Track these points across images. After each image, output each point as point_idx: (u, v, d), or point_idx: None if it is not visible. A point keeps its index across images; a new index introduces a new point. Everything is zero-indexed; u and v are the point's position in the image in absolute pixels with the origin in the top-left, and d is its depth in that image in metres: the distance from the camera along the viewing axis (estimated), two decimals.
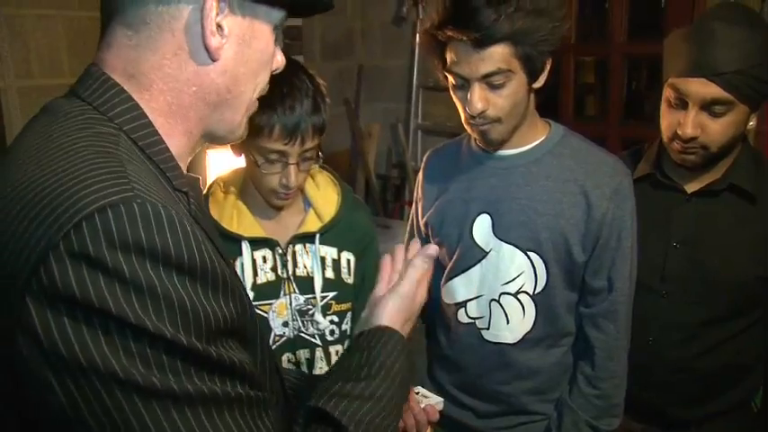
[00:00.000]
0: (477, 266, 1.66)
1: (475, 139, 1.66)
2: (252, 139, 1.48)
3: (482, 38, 1.44)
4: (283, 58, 1.02)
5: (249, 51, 0.92)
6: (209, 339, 0.76)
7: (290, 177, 1.53)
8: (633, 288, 1.66)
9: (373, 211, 4.08)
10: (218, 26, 0.87)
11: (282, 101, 1.46)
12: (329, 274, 1.65)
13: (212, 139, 0.98)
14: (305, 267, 1.63)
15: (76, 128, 0.82)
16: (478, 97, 1.50)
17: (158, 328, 0.71)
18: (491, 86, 1.49)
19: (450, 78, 1.55)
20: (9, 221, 0.74)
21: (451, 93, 1.58)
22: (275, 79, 1.49)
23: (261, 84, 0.98)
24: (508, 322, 1.66)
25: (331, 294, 1.66)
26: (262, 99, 1.45)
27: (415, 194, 1.85)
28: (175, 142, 0.91)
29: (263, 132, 1.47)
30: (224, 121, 0.95)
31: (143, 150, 0.85)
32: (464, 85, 1.52)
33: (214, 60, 0.88)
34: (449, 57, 1.51)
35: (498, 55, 1.45)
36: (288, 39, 3.66)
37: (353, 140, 4.18)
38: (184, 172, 0.94)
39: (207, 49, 0.87)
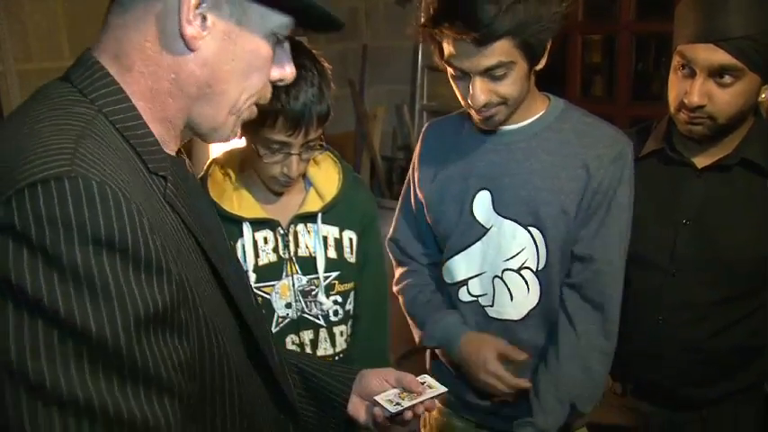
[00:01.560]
0: (478, 243, 1.65)
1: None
2: (253, 127, 1.46)
3: (482, 37, 1.40)
4: (292, 69, 1.00)
5: (236, 50, 0.90)
6: (129, 328, 0.73)
7: (292, 167, 1.52)
8: (621, 262, 1.63)
9: (378, 192, 4.06)
10: (203, 17, 0.86)
11: (287, 90, 1.42)
12: (331, 253, 1.64)
13: (196, 133, 0.97)
14: (307, 247, 1.62)
15: (51, 107, 0.83)
16: (480, 90, 1.48)
17: (71, 315, 0.69)
18: (492, 78, 1.47)
19: (450, 69, 1.52)
20: None
21: (451, 81, 1.55)
22: None
23: (251, 88, 0.95)
24: (512, 299, 1.65)
25: (334, 274, 1.65)
26: None
27: (411, 164, 1.82)
28: (155, 127, 0.90)
29: (265, 123, 1.44)
30: (204, 116, 0.94)
31: (120, 133, 0.85)
32: (464, 76, 1.49)
33: (191, 50, 0.87)
34: (447, 50, 1.48)
35: (499, 49, 1.42)
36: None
37: (358, 122, 4.15)
38: (170, 154, 0.94)
39: (182, 37, 0.86)
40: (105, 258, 0.71)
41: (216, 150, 2.73)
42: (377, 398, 1.28)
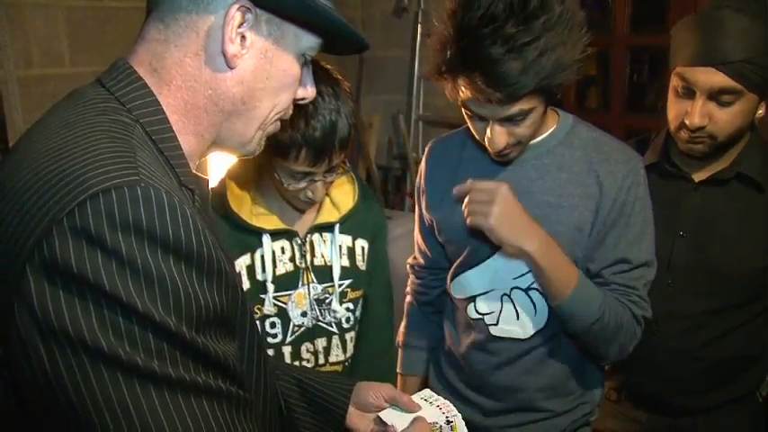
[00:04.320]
0: (490, 260, 1.61)
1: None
2: (276, 158, 1.45)
3: (507, 96, 1.33)
4: (314, 89, 1.05)
5: (270, 69, 0.94)
6: (198, 327, 0.78)
7: (318, 193, 1.52)
8: (645, 270, 1.58)
9: None
10: (242, 37, 0.90)
11: (307, 121, 1.40)
12: (344, 261, 1.66)
13: (223, 147, 1.01)
14: (323, 256, 1.63)
15: (95, 113, 0.85)
16: (499, 135, 1.43)
17: (148, 310, 0.73)
18: (512, 122, 1.43)
19: (464, 110, 1.47)
20: (21, 194, 0.77)
21: (466, 118, 1.51)
22: None
23: (281, 105, 0.99)
24: (518, 317, 1.62)
25: (347, 282, 1.66)
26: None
27: (417, 184, 1.79)
28: (186, 141, 0.93)
29: (287, 156, 1.43)
30: (235, 131, 0.97)
31: (155, 144, 0.88)
32: (481, 119, 1.45)
33: (230, 68, 0.91)
34: (463, 94, 1.40)
35: (522, 101, 1.37)
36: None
37: (354, 132, 4.16)
38: (193, 171, 0.96)
39: (224, 54, 0.90)
40: (172, 262, 0.76)
41: (216, 162, 2.73)
42: (381, 414, 1.29)
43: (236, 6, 0.88)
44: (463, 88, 1.39)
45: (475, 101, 1.40)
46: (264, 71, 0.94)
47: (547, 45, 1.30)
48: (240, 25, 0.89)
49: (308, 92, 1.04)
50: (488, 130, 1.44)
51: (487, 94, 1.34)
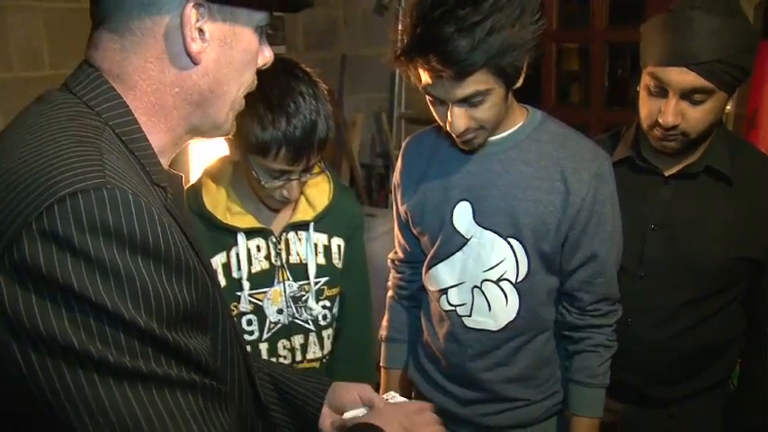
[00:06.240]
0: (459, 253, 1.66)
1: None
2: (255, 156, 1.48)
3: (457, 72, 1.39)
4: (271, 53, 1.04)
5: (232, 53, 0.95)
6: (168, 324, 0.79)
7: (293, 192, 1.55)
8: (614, 269, 1.67)
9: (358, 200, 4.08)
10: (200, 31, 0.90)
11: (288, 121, 1.43)
12: (320, 260, 1.68)
13: (198, 133, 1.01)
14: (298, 255, 1.65)
15: (64, 118, 0.86)
16: (458, 117, 1.48)
17: (118, 308, 0.75)
18: (470, 105, 1.47)
19: (427, 96, 1.52)
20: None
21: (429, 105, 1.56)
22: (279, 93, 1.46)
23: (246, 82, 1.00)
24: (490, 309, 1.65)
25: (323, 280, 1.68)
26: (265, 115, 1.44)
27: (394, 180, 1.84)
28: (158, 138, 0.94)
29: (268, 153, 1.45)
30: (208, 117, 0.98)
31: (126, 145, 0.89)
32: (442, 103, 1.50)
33: (196, 64, 0.92)
34: (423, 79, 1.47)
35: (475, 80, 1.42)
36: (270, 29, 3.63)
37: (337, 130, 4.17)
38: (166, 167, 0.98)
39: (188, 54, 0.90)
40: (140, 261, 0.77)
41: (195, 156, 2.75)
42: (346, 416, 1.29)
43: (191, 5, 0.88)
44: (421, 72, 1.45)
45: (433, 86, 1.46)
46: (226, 56, 0.94)
47: (495, 25, 1.36)
48: (197, 21, 0.89)
49: (267, 57, 1.04)
50: (449, 114, 1.49)
51: (439, 72, 1.40)
